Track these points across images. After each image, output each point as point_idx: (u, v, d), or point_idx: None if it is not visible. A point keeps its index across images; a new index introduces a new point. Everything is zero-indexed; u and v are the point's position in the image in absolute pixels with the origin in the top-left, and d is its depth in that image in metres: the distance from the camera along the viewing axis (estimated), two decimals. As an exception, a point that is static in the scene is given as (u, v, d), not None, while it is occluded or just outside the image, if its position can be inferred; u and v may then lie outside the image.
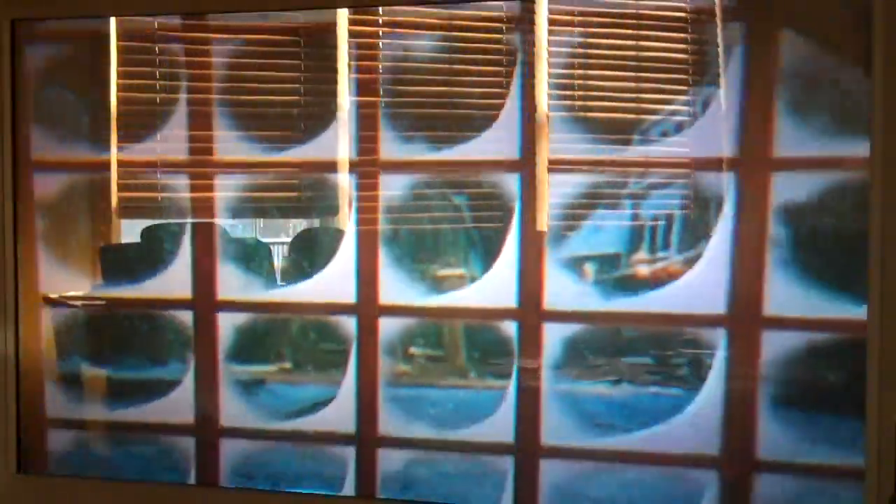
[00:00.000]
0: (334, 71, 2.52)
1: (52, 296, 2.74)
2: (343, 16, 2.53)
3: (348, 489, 2.53)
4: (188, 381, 2.65)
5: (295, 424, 2.58)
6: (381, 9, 2.50)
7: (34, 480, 2.73)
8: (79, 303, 2.73)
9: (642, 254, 2.37)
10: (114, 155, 2.68)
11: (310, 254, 2.62)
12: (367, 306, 2.50)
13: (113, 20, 2.67)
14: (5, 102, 2.68)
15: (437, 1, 2.48)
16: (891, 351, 2.14)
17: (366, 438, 2.51)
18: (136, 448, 2.72)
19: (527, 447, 2.40)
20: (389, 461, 2.49)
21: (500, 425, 2.43)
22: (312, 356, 2.61)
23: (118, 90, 2.67)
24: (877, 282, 2.15)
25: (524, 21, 2.42)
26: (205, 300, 2.63)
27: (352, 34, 2.52)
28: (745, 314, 2.28)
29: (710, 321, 2.31)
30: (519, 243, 2.40)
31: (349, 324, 2.53)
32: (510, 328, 2.43)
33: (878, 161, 2.14)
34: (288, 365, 2.63)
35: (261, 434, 2.61)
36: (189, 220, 2.65)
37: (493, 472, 2.43)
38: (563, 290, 2.39)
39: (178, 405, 2.67)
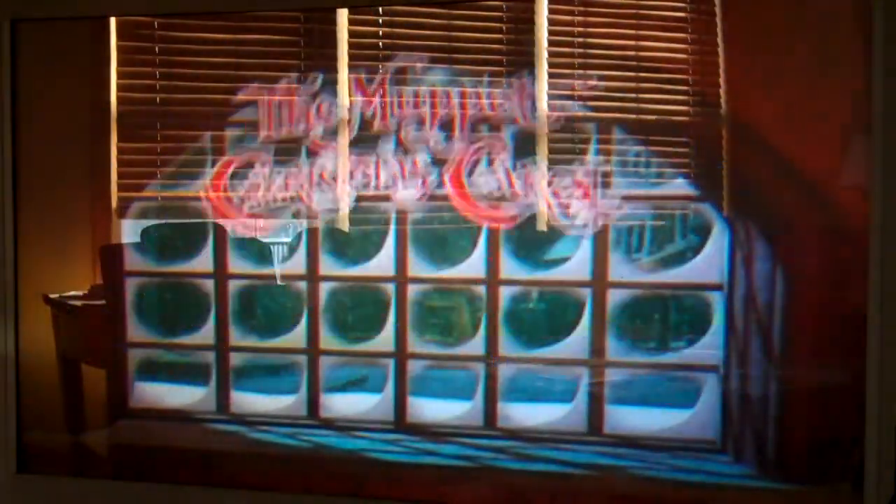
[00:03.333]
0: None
1: (53, 296, 2.74)
2: (343, 15, 2.54)
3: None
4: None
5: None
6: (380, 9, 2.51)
7: (34, 480, 2.74)
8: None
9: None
10: (114, 154, 2.68)
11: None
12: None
13: (113, 20, 2.67)
14: (5, 102, 2.68)
15: (437, 1, 2.48)
16: (891, 351, 2.15)
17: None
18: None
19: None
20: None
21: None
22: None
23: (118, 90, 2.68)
24: (877, 282, 2.15)
25: (524, 21, 2.43)
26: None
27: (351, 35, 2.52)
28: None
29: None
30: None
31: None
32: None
33: (878, 161, 2.15)
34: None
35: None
36: (190, 220, 2.66)
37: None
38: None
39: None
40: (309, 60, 2.56)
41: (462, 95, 2.40)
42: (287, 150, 2.54)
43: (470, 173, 2.43)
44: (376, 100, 2.45)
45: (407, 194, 2.46)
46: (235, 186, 2.58)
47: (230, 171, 2.57)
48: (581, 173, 2.37)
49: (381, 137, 2.47)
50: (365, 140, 2.48)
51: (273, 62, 2.58)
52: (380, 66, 2.50)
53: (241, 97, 2.58)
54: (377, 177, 2.44)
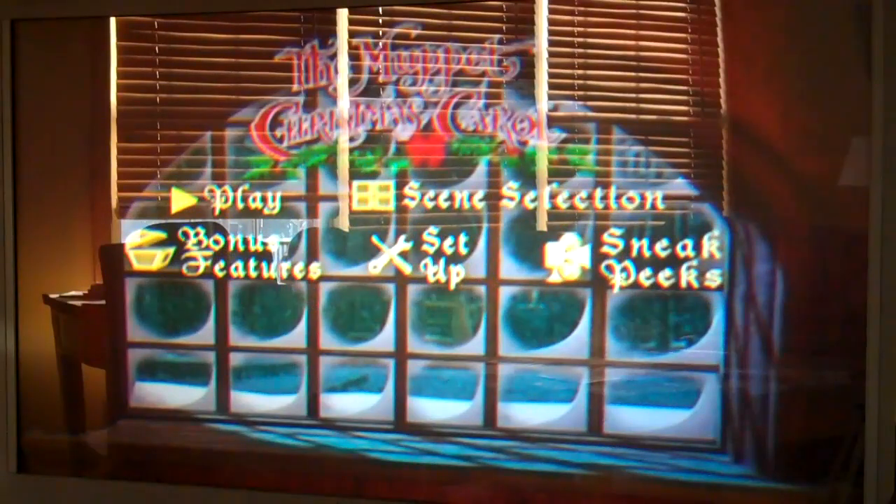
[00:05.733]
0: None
1: (53, 296, 2.74)
2: (343, 15, 2.54)
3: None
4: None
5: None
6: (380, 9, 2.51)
7: (34, 480, 2.74)
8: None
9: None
10: (114, 154, 2.69)
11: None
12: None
13: (113, 20, 2.67)
14: (5, 102, 2.68)
15: (437, 1, 2.48)
16: (891, 351, 2.15)
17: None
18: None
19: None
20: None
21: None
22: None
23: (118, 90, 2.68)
24: (876, 282, 2.15)
25: (524, 21, 2.43)
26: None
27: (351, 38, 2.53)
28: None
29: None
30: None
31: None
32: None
33: (878, 161, 2.15)
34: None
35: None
36: (190, 221, 2.66)
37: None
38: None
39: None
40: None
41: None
42: (313, 99, 2.58)
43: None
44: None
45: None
46: (275, 126, 2.59)
47: (272, 114, 2.58)
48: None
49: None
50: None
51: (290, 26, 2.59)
52: (383, 67, 2.51)
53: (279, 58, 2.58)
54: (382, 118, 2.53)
